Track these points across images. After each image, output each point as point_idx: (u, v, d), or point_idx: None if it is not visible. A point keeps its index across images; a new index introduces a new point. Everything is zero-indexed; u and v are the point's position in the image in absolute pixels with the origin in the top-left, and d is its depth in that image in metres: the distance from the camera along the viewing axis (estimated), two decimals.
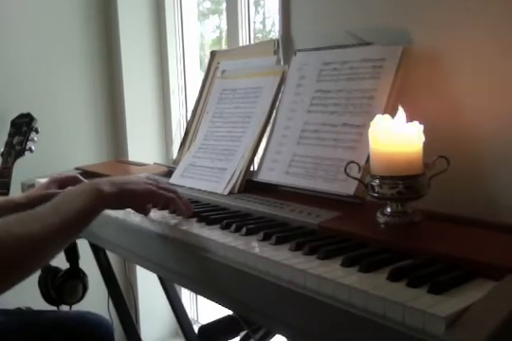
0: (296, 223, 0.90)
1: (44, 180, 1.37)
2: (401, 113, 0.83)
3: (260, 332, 1.18)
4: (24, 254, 0.74)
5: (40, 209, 0.82)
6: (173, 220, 0.98)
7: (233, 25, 1.80)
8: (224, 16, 1.89)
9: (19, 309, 1.43)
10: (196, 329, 1.27)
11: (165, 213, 1.04)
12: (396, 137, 0.81)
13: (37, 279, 1.56)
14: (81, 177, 1.39)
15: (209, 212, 1.01)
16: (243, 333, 1.18)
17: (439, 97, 1.05)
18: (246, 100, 1.27)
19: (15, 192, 1.64)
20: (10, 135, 1.81)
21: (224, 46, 2.07)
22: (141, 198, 0.95)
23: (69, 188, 1.36)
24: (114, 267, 1.68)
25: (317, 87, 1.13)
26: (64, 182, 1.35)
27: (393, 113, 0.85)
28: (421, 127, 0.82)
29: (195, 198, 1.15)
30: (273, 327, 0.79)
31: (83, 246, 1.55)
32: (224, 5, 1.87)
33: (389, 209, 0.83)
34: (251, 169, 1.20)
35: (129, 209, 1.01)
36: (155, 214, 1.03)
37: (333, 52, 1.14)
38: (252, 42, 1.79)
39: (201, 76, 1.64)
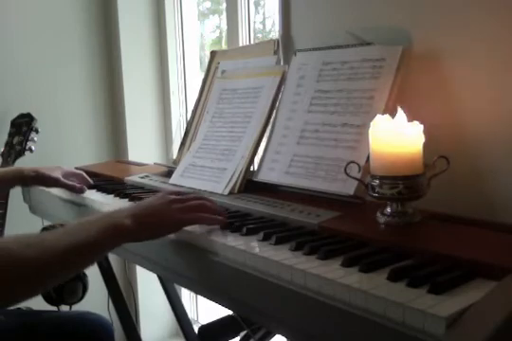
0: (296, 223, 0.90)
1: None
2: (401, 113, 0.83)
3: (260, 332, 1.18)
4: (25, 276, 0.72)
5: (50, 233, 0.80)
6: None
7: (233, 25, 1.80)
8: (224, 16, 1.89)
9: (19, 309, 1.43)
10: (196, 329, 1.27)
11: None
12: (396, 137, 0.81)
13: None
14: (85, 175, 1.40)
15: None
16: (243, 333, 1.18)
17: (439, 97, 1.05)
18: (246, 100, 1.27)
19: (15, 193, 1.64)
20: (10, 135, 1.81)
21: (224, 46, 2.07)
22: (166, 230, 0.88)
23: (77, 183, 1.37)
24: (114, 267, 1.68)
25: (317, 87, 1.13)
26: (70, 175, 1.36)
27: (392, 113, 0.85)
28: (421, 127, 0.82)
29: None
30: (273, 327, 0.79)
31: None
32: (224, 5, 1.87)
33: (389, 209, 0.83)
34: (251, 169, 1.20)
35: None
36: None
37: (333, 52, 1.14)
38: (252, 42, 1.79)
39: (201, 76, 1.64)
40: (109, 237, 0.80)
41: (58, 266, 0.76)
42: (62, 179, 1.31)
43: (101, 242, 0.80)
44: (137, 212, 0.85)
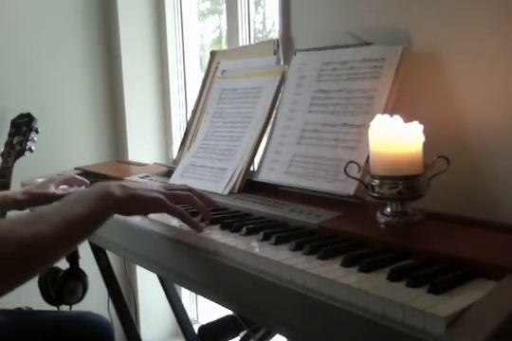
0: (296, 223, 0.90)
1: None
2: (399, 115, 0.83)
3: (260, 332, 1.18)
4: (27, 254, 0.72)
5: (46, 210, 0.80)
6: (174, 220, 0.98)
7: (233, 25, 1.80)
8: (224, 16, 1.89)
9: (19, 309, 1.43)
10: (196, 329, 1.27)
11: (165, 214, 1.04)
12: (396, 137, 0.81)
13: (37, 279, 1.56)
14: (78, 177, 1.40)
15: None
16: (243, 333, 1.18)
17: (439, 96, 1.05)
18: (246, 100, 1.27)
19: None
20: (10, 135, 1.81)
21: (224, 46, 2.07)
22: (149, 205, 0.89)
23: (75, 188, 1.37)
24: (114, 267, 1.68)
25: (317, 87, 1.13)
26: (62, 183, 1.35)
27: (392, 113, 0.85)
28: (421, 127, 0.82)
29: None
30: (273, 327, 0.79)
31: (83, 246, 1.55)
32: (224, 5, 1.87)
33: (389, 209, 0.83)
34: (251, 169, 1.20)
35: None
36: (154, 214, 1.03)
37: (333, 52, 1.14)
38: (252, 42, 1.79)
39: (201, 76, 1.64)
40: (103, 207, 0.82)
41: (62, 239, 0.76)
42: (56, 193, 1.29)
43: (97, 213, 0.82)
44: (126, 185, 0.88)
